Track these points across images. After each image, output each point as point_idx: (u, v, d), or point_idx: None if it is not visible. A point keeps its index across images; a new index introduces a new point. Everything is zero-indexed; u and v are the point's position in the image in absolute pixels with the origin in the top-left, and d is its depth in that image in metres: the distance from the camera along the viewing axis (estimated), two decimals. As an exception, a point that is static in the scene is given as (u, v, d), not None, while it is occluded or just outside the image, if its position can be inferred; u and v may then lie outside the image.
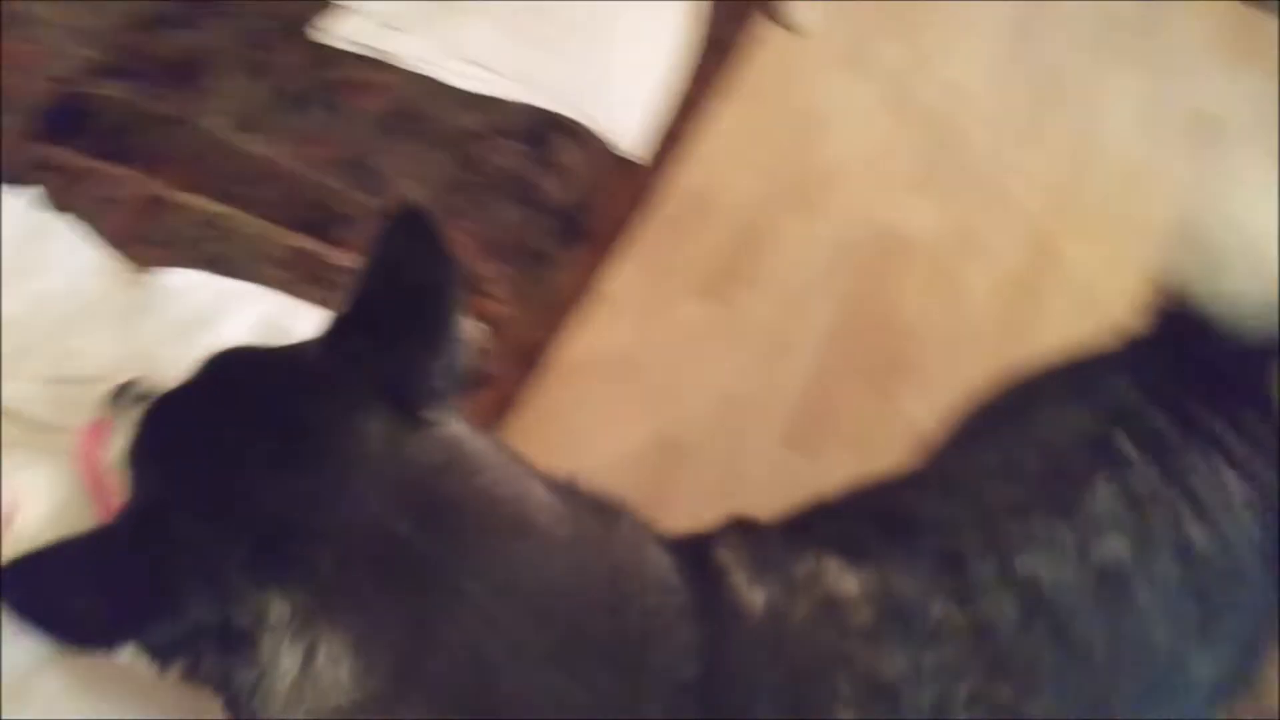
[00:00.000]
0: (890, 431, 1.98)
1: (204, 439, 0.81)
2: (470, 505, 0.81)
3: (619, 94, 1.62)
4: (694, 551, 0.91)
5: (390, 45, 1.58)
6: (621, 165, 1.67)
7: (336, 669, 0.74)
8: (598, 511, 0.89)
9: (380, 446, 0.79)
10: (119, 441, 0.88)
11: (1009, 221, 2.32)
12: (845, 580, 0.89)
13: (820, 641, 0.87)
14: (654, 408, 1.97)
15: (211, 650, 0.75)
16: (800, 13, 2.51)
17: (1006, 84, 2.55)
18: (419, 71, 1.57)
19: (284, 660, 0.74)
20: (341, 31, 1.59)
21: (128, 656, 0.75)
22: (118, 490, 0.89)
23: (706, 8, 1.81)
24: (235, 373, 0.86)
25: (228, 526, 0.75)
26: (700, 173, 2.24)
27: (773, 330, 2.10)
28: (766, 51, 2.48)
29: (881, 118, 2.45)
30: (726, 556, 0.90)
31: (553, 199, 1.53)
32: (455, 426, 0.84)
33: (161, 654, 0.76)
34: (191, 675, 0.78)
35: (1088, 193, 2.40)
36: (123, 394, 0.98)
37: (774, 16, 2.52)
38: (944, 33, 2.64)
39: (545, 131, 1.56)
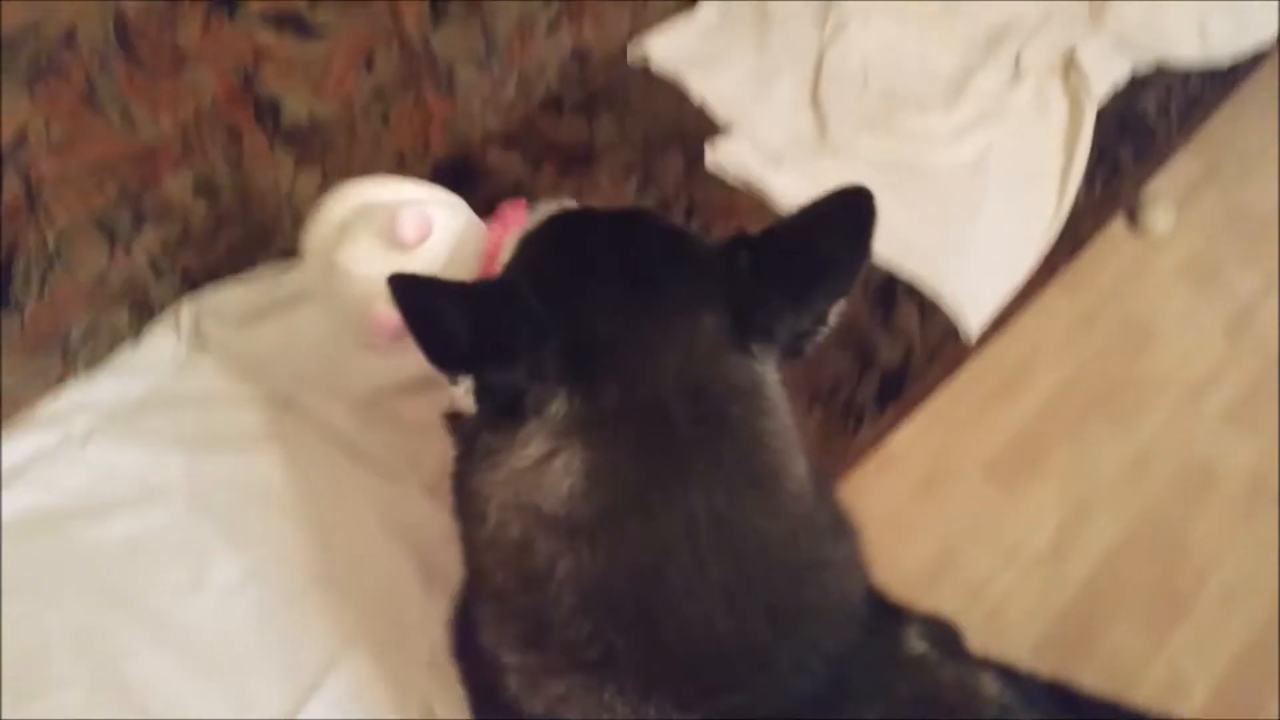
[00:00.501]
0: (1149, 675, 1.86)
1: (581, 254, 0.94)
2: (742, 436, 0.88)
3: (975, 273, 1.59)
4: (892, 608, 1.00)
5: (766, 178, 1.61)
6: (952, 336, 1.64)
7: (562, 478, 0.83)
8: (835, 517, 0.98)
9: (706, 343, 0.88)
10: (521, 230, 1.02)
11: (1331, 483, 2.14)
12: (991, 686, 0.95)
13: (945, 705, 0.92)
14: (910, 574, 1.91)
15: (494, 407, 0.87)
16: (1155, 216, 2.42)
17: (1362, 340, 2.36)
18: (785, 208, 1.60)
19: (531, 446, 0.85)
20: (727, 156, 1.64)
21: (460, 389, 0.86)
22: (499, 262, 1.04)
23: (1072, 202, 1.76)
24: (638, 223, 1.00)
25: (564, 324, 0.86)
26: (1019, 353, 2.18)
27: (1051, 532, 2.00)
28: (1113, 249, 2.40)
29: (1216, 341, 2.30)
30: (916, 627, 0.98)
31: (884, 360, 1.52)
32: (771, 372, 0.91)
33: (483, 392, 0.87)
34: (460, 421, 0.93)
35: None
36: (547, 205, 1.08)
37: (1128, 215, 2.44)
38: (1303, 271, 2.47)
39: (894, 293, 1.56)
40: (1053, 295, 2.22)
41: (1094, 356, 2.24)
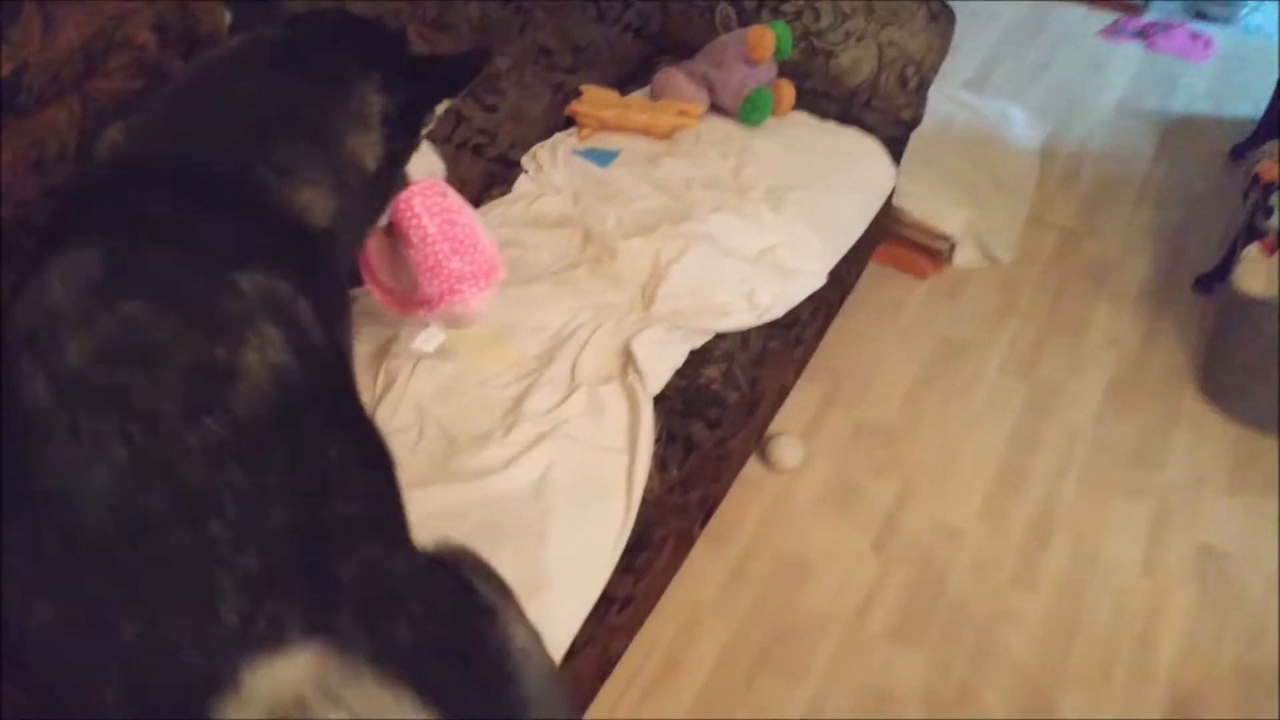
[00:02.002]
0: None
1: None
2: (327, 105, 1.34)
3: (552, 600, 1.50)
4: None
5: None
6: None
7: None
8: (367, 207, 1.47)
9: (349, 63, 1.36)
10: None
11: (1001, 673, 2.11)
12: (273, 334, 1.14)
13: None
14: None
15: None
16: (781, 453, 2.44)
17: (998, 522, 2.41)
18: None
19: None
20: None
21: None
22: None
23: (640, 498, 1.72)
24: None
25: None
26: (674, 627, 2.11)
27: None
28: (753, 492, 2.40)
29: (868, 561, 2.30)
30: (258, 271, 1.18)
31: None
32: (379, 104, 1.35)
33: None
34: None
35: (1085, 639, 2.18)
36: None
37: (759, 455, 2.46)
38: (934, 470, 2.52)
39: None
40: (699, 557, 2.19)
41: (751, 609, 2.19)
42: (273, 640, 0.95)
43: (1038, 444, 2.61)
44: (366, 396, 1.77)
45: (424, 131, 1.46)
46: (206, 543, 0.97)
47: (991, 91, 3.92)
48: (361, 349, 1.85)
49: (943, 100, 3.67)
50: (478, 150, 2.28)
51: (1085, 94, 4.03)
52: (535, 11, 2.40)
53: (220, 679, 0.92)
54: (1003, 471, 2.53)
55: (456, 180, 2.20)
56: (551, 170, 2.34)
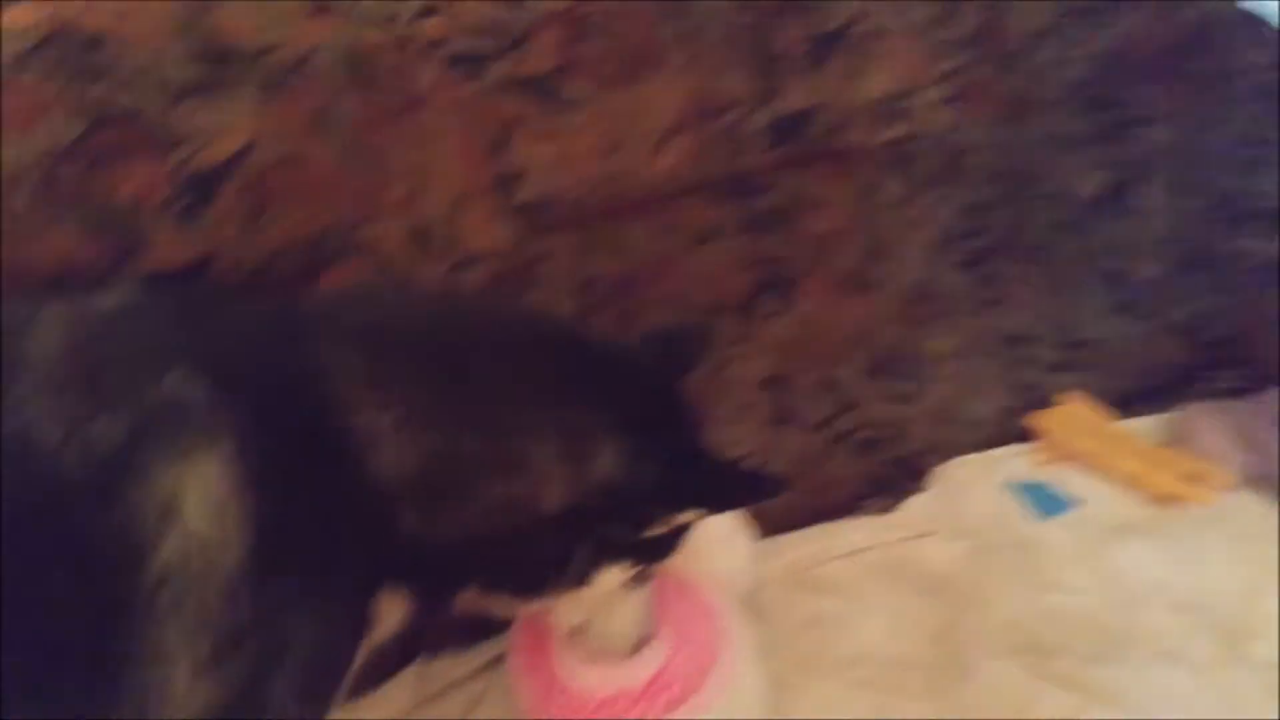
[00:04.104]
0: None
1: None
2: None
3: None
4: None
5: None
6: None
7: None
8: None
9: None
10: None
11: None
12: None
13: None
14: None
15: None
16: None
17: None
18: None
19: None
20: None
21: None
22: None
23: None
24: None
25: None
26: None
27: None
28: None
29: None
30: None
31: None
32: None
33: None
34: None
35: None
36: None
37: None
38: None
39: None
40: None
41: None
42: None
43: None
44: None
45: (642, 533, 0.99)
46: None
47: None
48: None
49: None
50: (868, 446, 1.68)
51: None
52: (1014, 286, 1.74)
53: None
54: None
55: (821, 477, 1.66)
56: (963, 499, 1.68)
